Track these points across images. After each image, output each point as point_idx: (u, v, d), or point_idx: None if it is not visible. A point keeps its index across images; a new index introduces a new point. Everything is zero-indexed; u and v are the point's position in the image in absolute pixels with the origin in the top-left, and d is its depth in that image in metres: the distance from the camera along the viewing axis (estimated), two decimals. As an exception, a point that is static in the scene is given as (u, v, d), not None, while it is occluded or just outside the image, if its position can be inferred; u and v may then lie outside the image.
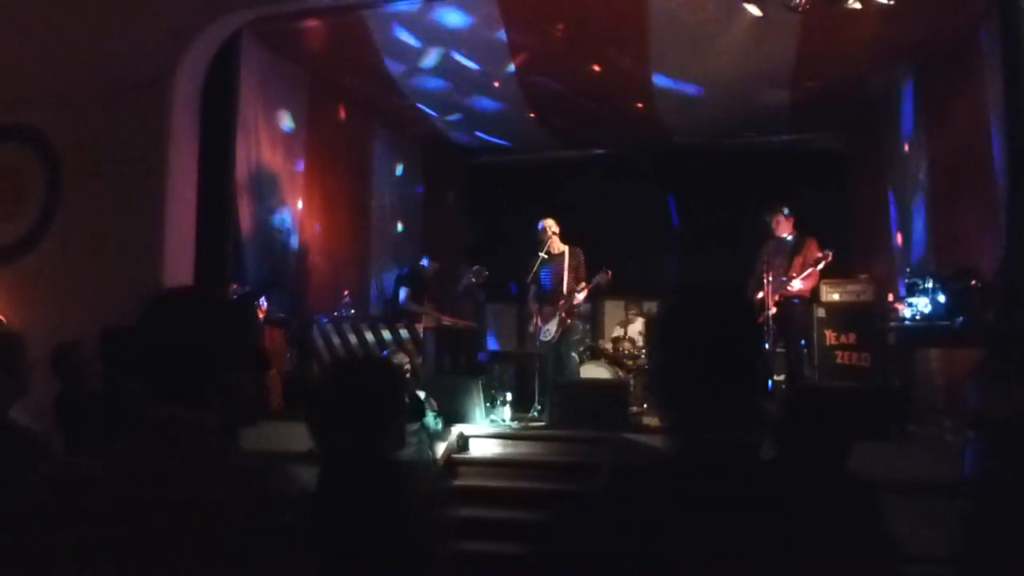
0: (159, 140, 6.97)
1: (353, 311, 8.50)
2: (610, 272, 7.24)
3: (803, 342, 7.26)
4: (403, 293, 8.50)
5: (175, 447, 1.42)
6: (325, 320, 8.19)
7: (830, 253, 6.72)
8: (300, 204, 8.60)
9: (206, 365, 1.50)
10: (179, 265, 7.13)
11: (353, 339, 7.98)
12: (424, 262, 9.04)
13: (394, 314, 8.42)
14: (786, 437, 2.98)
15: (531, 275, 7.36)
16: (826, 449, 3.36)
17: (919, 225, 7.72)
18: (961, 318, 5.39)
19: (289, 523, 1.38)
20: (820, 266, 6.76)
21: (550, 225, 7.43)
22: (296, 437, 6.80)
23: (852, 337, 7.97)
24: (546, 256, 7.36)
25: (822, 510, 1.20)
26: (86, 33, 7.06)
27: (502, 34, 7.55)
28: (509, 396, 7.08)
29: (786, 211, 7.09)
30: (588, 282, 7.28)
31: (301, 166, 8.65)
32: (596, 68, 8.09)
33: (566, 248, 7.44)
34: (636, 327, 8.66)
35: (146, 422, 1.45)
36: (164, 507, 1.34)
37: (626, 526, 1.20)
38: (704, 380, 1.26)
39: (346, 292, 8.74)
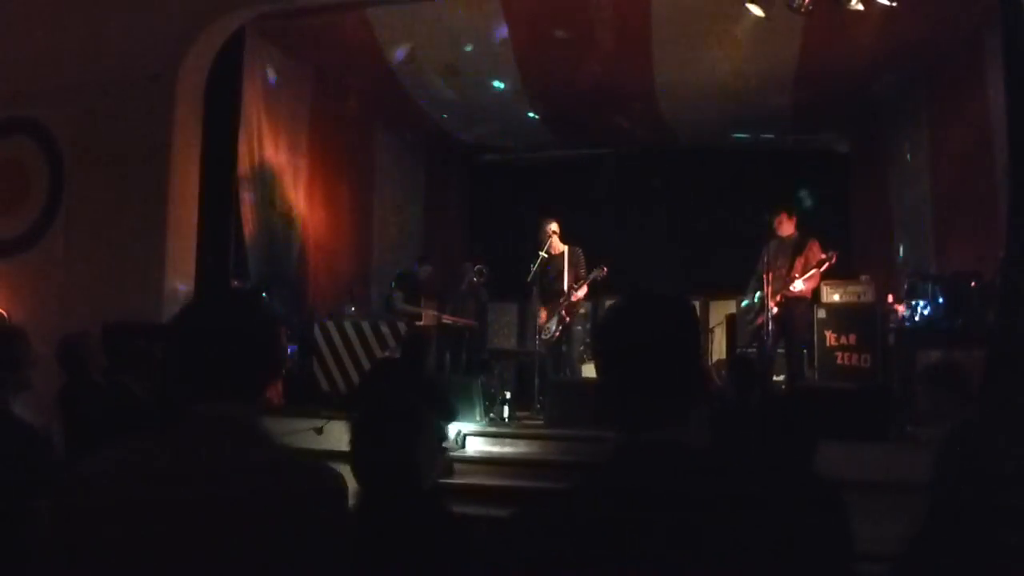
0: (162, 136, 6.99)
1: (354, 308, 8.51)
2: (606, 268, 7.25)
3: (803, 345, 7.26)
4: (397, 297, 8.51)
5: (228, 444, 1.43)
6: (327, 318, 8.20)
7: (833, 255, 6.72)
8: (303, 201, 8.61)
9: (253, 363, 1.51)
10: (181, 261, 7.16)
11: (354, 337, 7.98)
12: (415, 266, 9.09)
13: (391, 316, 8.44)
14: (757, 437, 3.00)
15: (531, 275, 7.38)
16: (791, 449, 3.37)
17: (920, 227, 7.73)
18: (961, 319, 5.40)
19: (329, 517, 1.41)
20: (823, 268, 6.77)
21: (550, 226, 7.45)
22: (298, 434, 6.82)
23: (852, 338, 7.94)
24: (546, 256, 7.38)
25: (766, 506, 1.19)
26: (90, 28, 7.08)
27: (504, 32, 7.56)
28: (508, 395, 7.09)
29: (788, 211, 7.09)
30: (586, 280, 7.31)
31: (304, 163, 8.66)
32: (599, 68, 8.09)
33: (565, 248, 7.46)
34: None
35: (196, 419, 1.46)
36: (219, 503, 1.36)
37: (565, 529, 1.22)
38: (639, 387, 1.28)
39: (350, 289, 8.74)
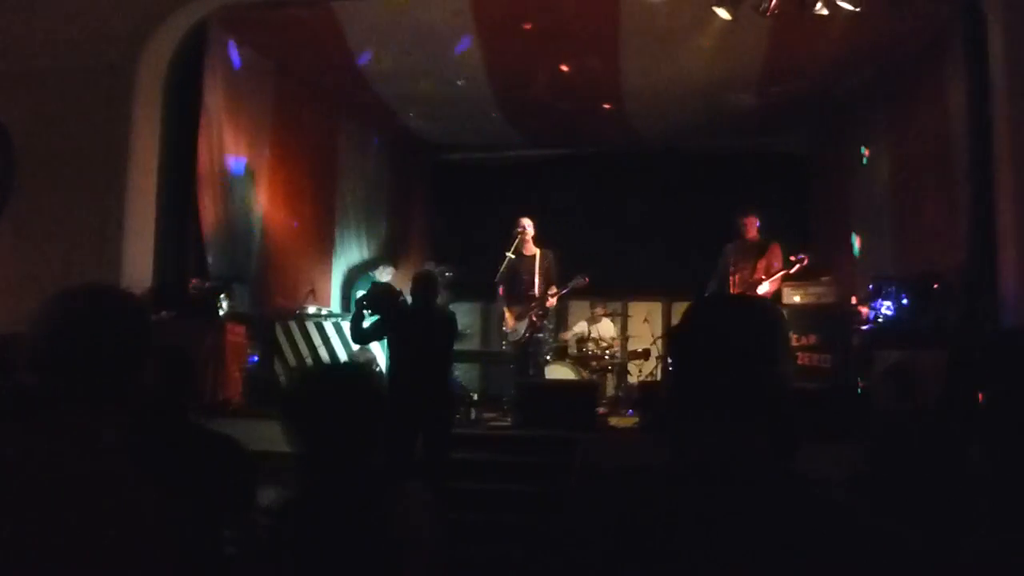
0: (120, 129, 6.80)
1: (315, 308, 8.37)
2: (587, 279, 7.26)
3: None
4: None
5: (64, 449, 1.38)
6: (288, 317, 8.04)
7: (805, 258, 6.83)
8: (264, 198, 8.43)
9: (103, 366, 1.44)
10: (138, 260, 6.97)
11: (316, 336, 7.85)
12: (375, 272, 9.02)
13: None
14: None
15: (499, 274, 7.32)
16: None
17: (880, 229, 7.87)
18: (923, 321, 5.49)
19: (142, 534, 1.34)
20: (794, 270, 6.86)
21: (527, 225, 7.39)
22: (259, 436, 6.68)
23: (813, 338, 8.07)
24: (515, 256, 7.33)
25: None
26: (45, 15, 6.85)
27: (472, 31, 7.50)
28: (475, 396, 7.03)
29: (757, 214, 7.18)
30: (560, 287, 7.27)
31: (266, 160, 8.49)
32: (565, 68, 8.08)
33: (538, 251, 7.41)
34: (602, 327, 8.67)
35: (39, 421, 1.41)
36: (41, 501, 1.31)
37: (611, 528, 1.18)
38: (719, 388, 1.23)
39: (312, 288, 8.60)
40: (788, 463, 1.28)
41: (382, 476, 1.98)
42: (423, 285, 5.54)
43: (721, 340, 1.25)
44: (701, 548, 1.14)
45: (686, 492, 1.20)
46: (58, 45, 6.80)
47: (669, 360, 1.44)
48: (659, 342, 8.84)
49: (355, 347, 7.53)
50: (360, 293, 8.31)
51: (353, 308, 6.68)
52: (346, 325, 7.78)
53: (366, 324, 5.60)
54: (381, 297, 5.81)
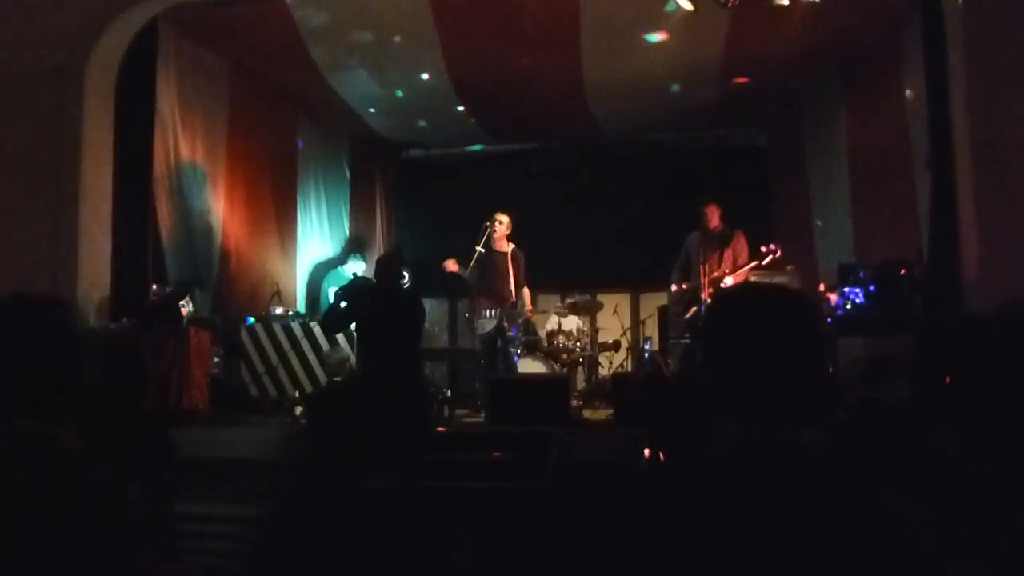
0: (71, 131, 6.60)
1: (280, 309, 8.22)
2: (567, 299, 7.27)
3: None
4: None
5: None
6: (252, 320, 7.90)
7: (777, 248, 6.89)
8: (223, 199, 8.26)
9: (22, 375, 1.44)
10: (94, 266, 6.79)
11: (284, 338, 7.72)
12: (345, 267, 8.93)
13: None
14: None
15: (468, 270, 7.26)
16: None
17: (839, 218, 7.99)
18: (890, 307, 5.58)
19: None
20: (766, 261, 6.93)
21: (503, 221, 7.34)
22: (226, 442, 6.54)
23: (778, 327, 8.18)
24: (484, 251, 7.28)
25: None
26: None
27: (431, 25, 7.42)
28: (449, 393, 6.98)
29: (718, 204, 7.22)
30: (527, 286, 7.27)
31: (223, 160, 8.31)
32: (526, 62, 8.04)
33: (510, 249, 7.37)
34: (571, 321, 8.67)
35: None
36: None
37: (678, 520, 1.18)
38: (763, 383, 1.23)
39: (277, 289, 8.45)
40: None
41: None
42: (387, 265, 5.52)
43: (763, 333, 1.24)
44: (738, 539, 1.13)
45: (698, 485, 1.19)
46: (4, 49, 6.57)
47: (699, 352, 1.44)
48: (628, 333, 8.88)
49: (326, 347, 7.41)
50: (333, 288, 8.22)
51: (331, 300, 6.64)
52: (314, 325, 7.68)
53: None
54: (361, 288, 5.75)
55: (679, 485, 1.25)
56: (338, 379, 6.07)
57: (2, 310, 1.51)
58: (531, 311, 7.39)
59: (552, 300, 9.05)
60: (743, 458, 1.21)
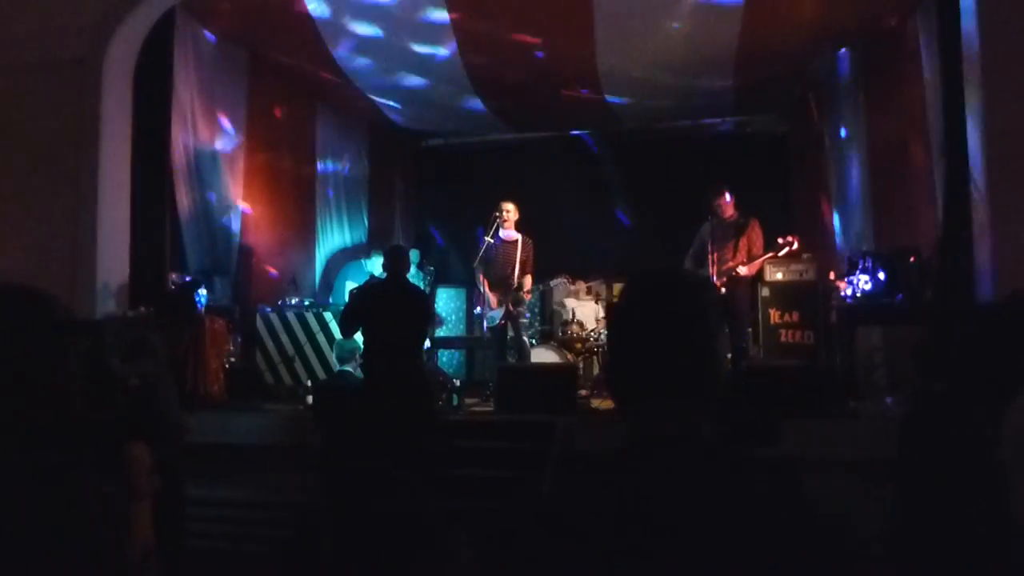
0: (91, 121, 6.71)
1: (296, 299, 8.31)
2: (570, 277, 7.24)
3: (747, 324, 7.35)
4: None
5: None
6: (269, 309, 8.00)
7: (794, 239, 6.82)
8: (241, 188, 8.36)
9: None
10: (114, 254, 6.91)
11: (298, 327, 7.81)
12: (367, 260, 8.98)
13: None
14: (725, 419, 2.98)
15: (477, 259, 7.27)
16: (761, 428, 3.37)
17: (858, 206, 7.87)
18: (900, 296, 5.50)
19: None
20: (782, 252, 6.88)
21: (510, 209, 7.33)
22: (242, 429, 6.65)
23: (795, 316, 8.11)
24: (494, 240, 7.28)
25: (751, 499, 1.16)
26: (9, 6, 6.74)
27: (445, 15, 7.43)
28: (458, 383, 7.01)
29: (729, 192, 7.14)
30: (538, 279, 7.26)
31: (241, 149, 8.41)
32: (541, 52, 8.02)
33: (519, 237, 7.36)
34: (587, 309, 8.66)
35: None
36: None
37: (575, 521, 1.17)
38: (655, 365, 1.21)
39: (293, 278, 8.54)
40: (772, 446, 1.27)
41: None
42: (392, 258, 5.56)
43: (655, 315, 1.23)
44: (647, 530, 1.13)
45: (639, 472, 1.19)
46: (23, 40, 6.70)
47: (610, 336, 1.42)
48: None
49: (340, 337, 7.48)
50: (350, 283, 8.29)
51: (346, 299, 6.70)
52: (328, 316, 7.75)
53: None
54: (371, 286, 5.82)
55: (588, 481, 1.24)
56: (346, 368, 6.13)
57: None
58: (529, 293, 7.37)
59: (568, 289, 9.03)
60: (635, 454, 1.20)
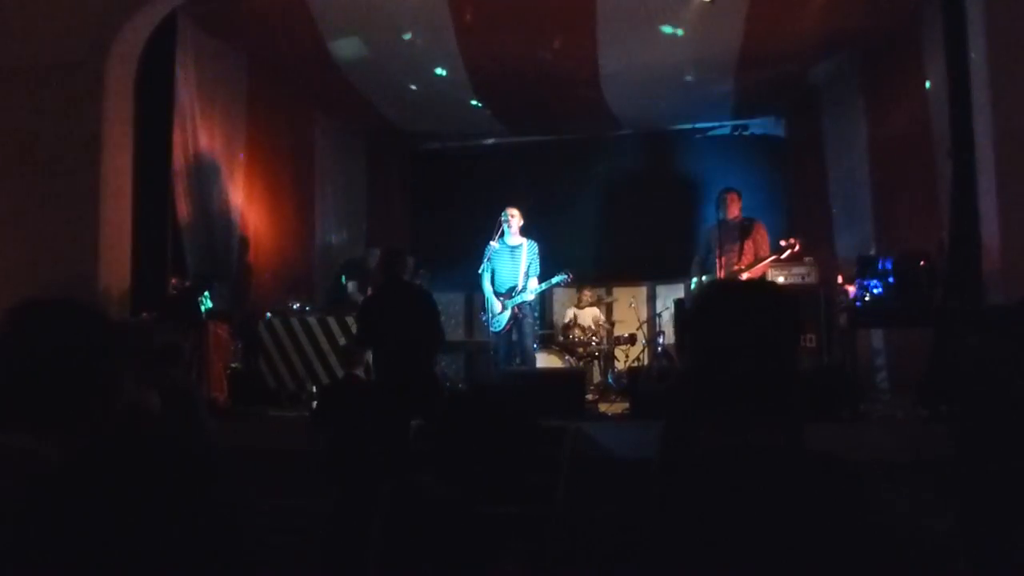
0: (91, 125, 6.64)
1: (297, 305, 8.26)
2: (572, 275, 7.21)
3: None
4: (350, 286, 8.33)
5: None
6: (271, 314, 7.95)
7: (796, 242, 6.82)
8: (241, 193, 8.31)
9: (47, 388, 1.32)
10: (115, 259, 6.83)
11: (301, 332, 7.76)
12: (365, 253, 8.93)
13: (340, 305, 8.25)
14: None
15: (483, 264, 7.25)
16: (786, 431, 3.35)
17: (860, 209, 7.89)
18: (909, 299, 5.51)
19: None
20: (784, 255, 6.87)
21: (514, 214, 7.30)
22: (245, 434, 6.59)
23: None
24: (498, 246, 7.26)
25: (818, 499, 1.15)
26: (9, 9, 6.67)
27: (447, 18, 7.40)
28: (461, 387, 6.98)
29: (737, 193, 7.15)
30: (541, 280, 7.22)
31: (242, 153, 8.36)
32: (543, 55, 8.01)
33: (524, 241, 7.33)
34: (588, 314, 8.65)
35: None
36: None
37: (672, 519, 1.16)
38: (745, 374, 1.20)
39: (295, 283, 8.50)
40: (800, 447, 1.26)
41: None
42: (386, 261, 5.54)
43: (738, 326, 1.22)
44: (709, 537, 1.11)
45: (727, 481, 1.17)
46: (24, 41, 6.63)
47: (680, 345, 1.40)
48: (645, 327, 8.83)
49: (343, 340, 7.43)
50: (351, 281, 8.27)
51: (347, 291, 6.64)
52: (330, 320, 7.71)
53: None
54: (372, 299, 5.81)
55: (660, 490, 1.23)
56: (356, 372, 6.09)
57: (23, 316, 1.37)
58: (530, 298, 7.35)
59: (569, 293, 9.03)
60: (715, 465, 1.19)
